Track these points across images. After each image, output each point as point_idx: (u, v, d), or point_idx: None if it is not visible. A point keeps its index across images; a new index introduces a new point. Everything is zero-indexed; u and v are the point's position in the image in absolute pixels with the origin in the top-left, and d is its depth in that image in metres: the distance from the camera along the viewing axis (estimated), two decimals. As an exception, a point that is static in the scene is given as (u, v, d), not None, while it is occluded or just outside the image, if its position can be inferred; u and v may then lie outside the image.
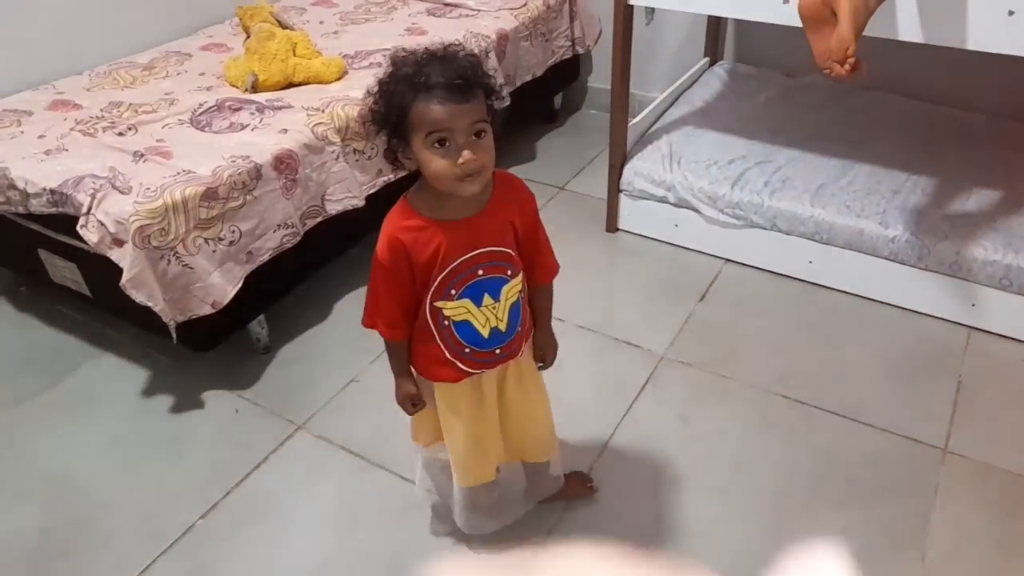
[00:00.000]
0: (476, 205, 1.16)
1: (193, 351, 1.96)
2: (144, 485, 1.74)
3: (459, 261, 1.16)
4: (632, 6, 2.18)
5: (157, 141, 1.93)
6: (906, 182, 2.29)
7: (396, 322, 1.23)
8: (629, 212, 2.51)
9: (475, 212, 1.16)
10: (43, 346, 2.15)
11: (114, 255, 1.69)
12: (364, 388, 1.98)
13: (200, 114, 2.07)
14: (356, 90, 2.17)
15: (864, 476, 1.69)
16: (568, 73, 3.14)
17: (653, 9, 2.36)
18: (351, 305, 2.26)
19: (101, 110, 2.12)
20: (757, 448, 1.77)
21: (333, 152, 2.04)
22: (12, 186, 1.82)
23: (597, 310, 2.22)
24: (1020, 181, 2.25)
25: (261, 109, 2.09)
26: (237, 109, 2.09)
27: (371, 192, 2.15)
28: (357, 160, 2.11)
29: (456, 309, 1.20)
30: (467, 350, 1.24)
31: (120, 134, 1.98)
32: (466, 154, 1.04)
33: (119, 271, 1.68)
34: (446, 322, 1.22)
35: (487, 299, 1.21)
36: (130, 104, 2.15)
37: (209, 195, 1.75)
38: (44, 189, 1.76)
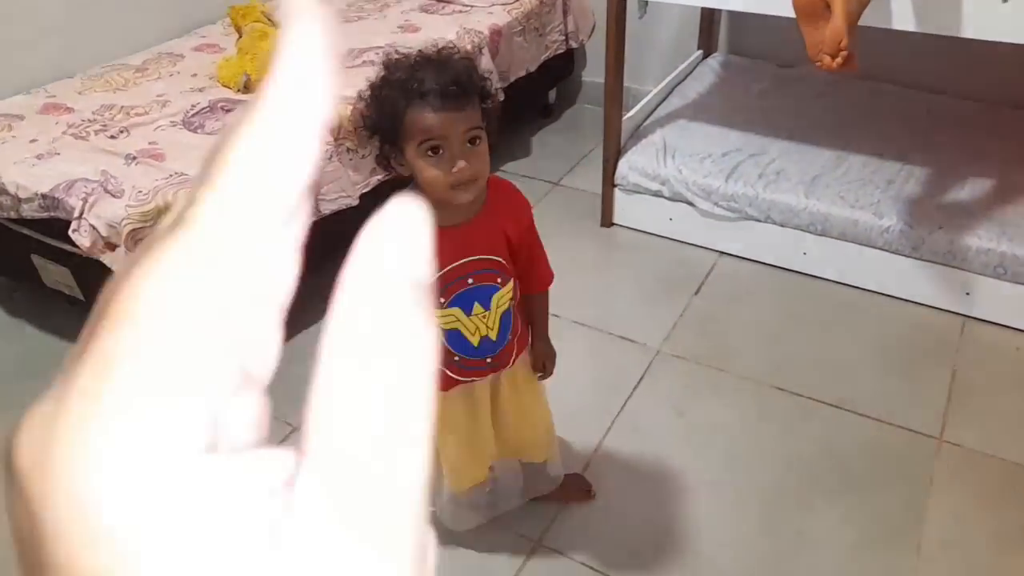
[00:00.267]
0: (469, 212, 1.14)
1: (189, 353, 1.96)
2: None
3: (448, 269, 1.14)
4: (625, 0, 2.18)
5: (149, 144, 1.93)
6: (900, 172, 2.28)
7: None
8: (624, 206, 2.51)
9: (467, 219, 1.14)
10: (37, 351, 2.15)
11: (107, 259, 1.68)
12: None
13: (192, 115, 2.07)
14: (349, 89, 2.16)
15: (860, 466, 1.70)
16: (562, 68, 3.13)
17: (647, 2, 2.36)
18: (347, 304, 2.25)
19: (93, 113, 2.11)
20: (753, 440, 1.77)
21: (326, 151, 2.03)
22: (4, 191, 1.81)
23: (592, 305, 2.21)
24: (1014, 169, 2.25)
25: (253, 109, 2.08)
26: (230, 110, 2.09)
27: (365, 191, 2.15)
28: (351, 159, 2.11)
29: (445, 318, 1.19)
30: (456, 358, 1.23)
31: (112, 137, 1.98)
32: (460, 164, 1.02)
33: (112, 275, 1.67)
34: None
35: (477, 308, 1.19)
36: (122, 107, 2.15)
37: (202, 197, 1.75)
38: (36, 194, 1.76)
